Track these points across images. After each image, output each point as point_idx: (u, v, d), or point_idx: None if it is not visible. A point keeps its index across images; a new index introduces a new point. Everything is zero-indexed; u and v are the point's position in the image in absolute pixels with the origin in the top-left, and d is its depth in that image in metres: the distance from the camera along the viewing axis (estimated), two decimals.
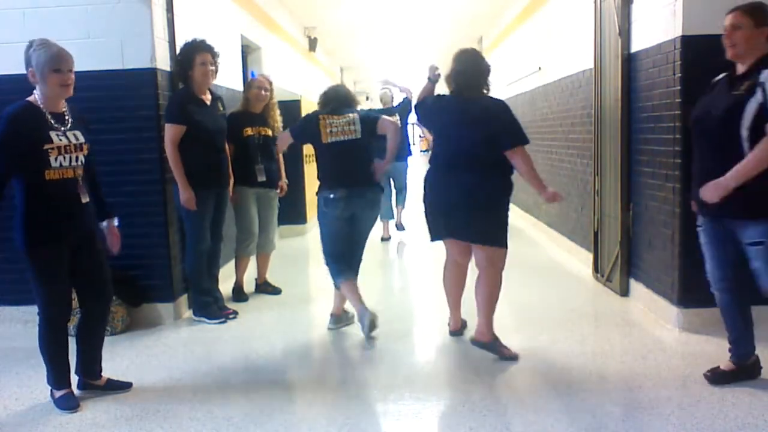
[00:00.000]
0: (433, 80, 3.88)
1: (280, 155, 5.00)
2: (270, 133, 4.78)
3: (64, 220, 2.88)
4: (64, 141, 2.84)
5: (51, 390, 3.08)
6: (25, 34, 4.11)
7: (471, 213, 3.43)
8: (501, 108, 3.47)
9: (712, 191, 2.78)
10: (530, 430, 2.70)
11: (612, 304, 4.48)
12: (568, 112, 6.12)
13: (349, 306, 4.07)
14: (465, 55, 3.52)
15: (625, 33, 4.43)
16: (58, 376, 3.04)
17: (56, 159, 2.81)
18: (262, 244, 4.92)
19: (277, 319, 4.46)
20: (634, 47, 4.36)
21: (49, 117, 2.84)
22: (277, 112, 4.90)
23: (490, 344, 3.50)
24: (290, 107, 7.18)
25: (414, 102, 4.09)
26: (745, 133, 2.73)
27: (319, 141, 3.91)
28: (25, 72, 4.10)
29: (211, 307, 4.36)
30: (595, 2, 4.97)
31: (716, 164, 2.82)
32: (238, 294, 4.89)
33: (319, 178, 4.04)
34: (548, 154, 7.02)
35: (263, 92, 4.76)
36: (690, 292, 3.81)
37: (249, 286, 5.02)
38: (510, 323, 4.25)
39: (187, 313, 4.49)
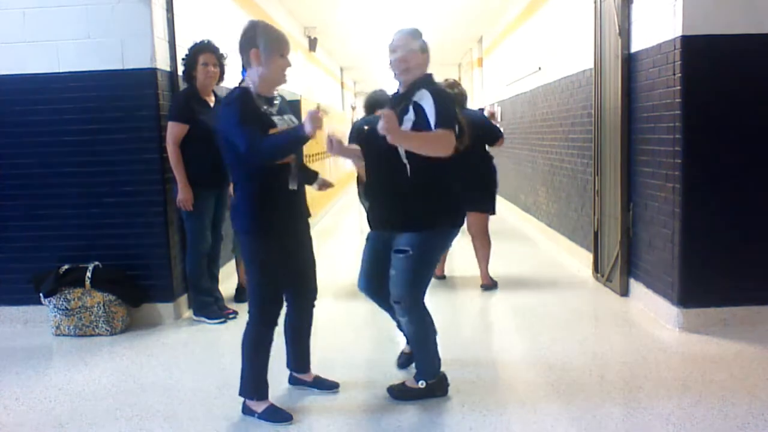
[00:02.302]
0: None
1: None
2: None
3: (285, 206, 2.79)
4: (284, 125, 2.74)
5: (245, 403, 2.88)
6: (25, 34, 4.15)
7: None
8: None
9: (387, 122, 2.61)
10: (530, 430, 2.70)
11: (612, 304, 4.48)
12: (568, 112, 6.12)
13: None
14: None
15: (625, 33, 4.43)
16: (258, 385, 2.85)
17: None
18: None
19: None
20: (634, 47, 4.36)
21: (264, 101, 2.74)
22: None
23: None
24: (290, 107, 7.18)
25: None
26: (402, 149, 2.78)
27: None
28: (25, 72, 4.17)
29: (211, 307, 4.36)
30: (595, 2, 4.97)
31: (383, 178, 2.93)
32: (240, 294, 4.89)
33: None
34: (548, 154, 7.02)
35: None
36: (690, 292, 3.82)
37: None
38: (510, 323, 4.26)
39: (187, 313, 4.49)
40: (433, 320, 3.02)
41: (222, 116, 2.69)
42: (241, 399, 2.89)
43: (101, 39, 4.12)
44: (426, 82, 2.89)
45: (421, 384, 3.02)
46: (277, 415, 2.83)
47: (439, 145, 2.70)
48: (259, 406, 2.84)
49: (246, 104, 2.65)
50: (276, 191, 2.74)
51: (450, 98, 2.87)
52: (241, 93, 2.71)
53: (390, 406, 2.99)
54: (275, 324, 2.83)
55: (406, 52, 2.86)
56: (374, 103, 4.64)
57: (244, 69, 2.81)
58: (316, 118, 2.52)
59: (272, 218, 2.73)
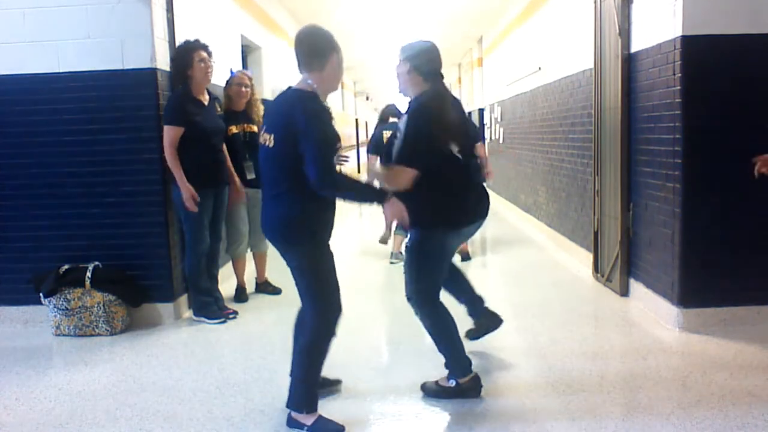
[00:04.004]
0: None
1: None
2: (256, 129, 4.65)
3: (331, 215, 2.72)
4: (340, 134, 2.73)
5: (290, 416, 2.77)
6: (25, 34, 4.16)
7: None
8: None
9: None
10: (530, 430, 2.70)
11: (612, 304, 4.48)
12: (568, 112, 6.12)
13: None
14: None
15: (625, 33, 4.43)
16: (310, 396, 2.75)
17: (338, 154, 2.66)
18: (256, 243, 4.90)
19: (277, 319, 4.46)
20: (634, 47, 4.36)
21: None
22: (261, 107, 4.77)
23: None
24: None
25: None
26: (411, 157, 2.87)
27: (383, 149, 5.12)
28: (25, 72, 4.17)
29: (211, 306, 4.36)
30: (595, 2, 4.97)
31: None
32: (240, 294, 4.88)
33: None
34: (548, 154, 7.02)
35: (243, 89, 4.69)
36: (690, 292, 3.82)
37: (249, 286, 5.01)
38: (510, 323, 4.25)
39: (187, 313, 4.49)
40: (451, 318, 3.01)
41: (287, 121, 2.56)
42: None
43: (101, 39, 4.12)
44: (416, 102, 2.96)
45: (451, 383, 3.03)
46: (329, 426, 2.73)
47: (394, 183, 2.83)
48: (308, 419, 2.74)
49: (322, 119, 2.56)
50: (324, 201, 2.66)
51: (422, 132, 2.83)
52: (314, 99, 2.60)
53: (390, 406, 2.99)
54: (335, 332, 2.73)
55: (398, 75, 3.03)
56: (388, 113, 6.04)
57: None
58: (398, 212, 2.63)
59: (321, 228, 2.68)
